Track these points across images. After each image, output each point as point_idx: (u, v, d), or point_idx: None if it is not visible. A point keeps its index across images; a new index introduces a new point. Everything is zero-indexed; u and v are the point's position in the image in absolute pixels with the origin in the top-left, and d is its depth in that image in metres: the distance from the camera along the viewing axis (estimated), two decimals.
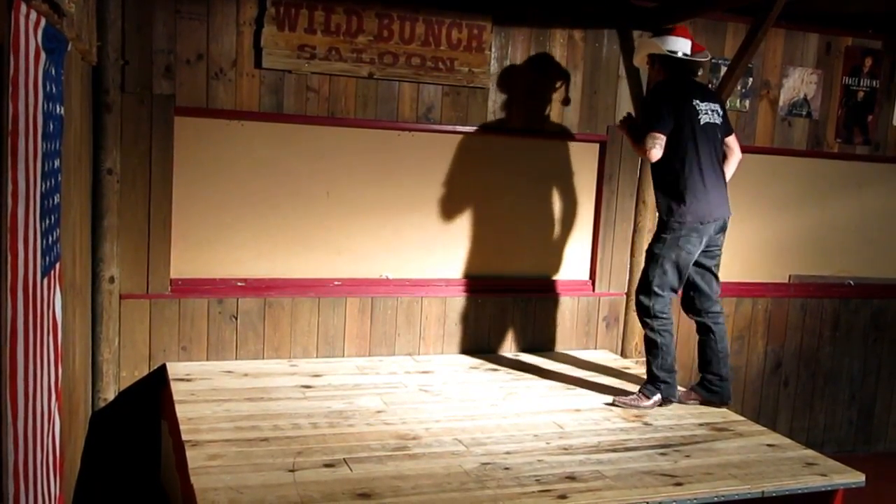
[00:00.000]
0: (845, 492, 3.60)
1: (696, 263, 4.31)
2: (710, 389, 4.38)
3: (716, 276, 4.41)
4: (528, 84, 5.04)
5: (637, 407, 4.22)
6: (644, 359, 5.32)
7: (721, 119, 4.33)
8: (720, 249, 4.41)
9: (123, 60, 4.28)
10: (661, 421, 4.10)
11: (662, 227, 4.27)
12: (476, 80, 4.89)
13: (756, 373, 5.79)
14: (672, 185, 4.21)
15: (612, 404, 4.27)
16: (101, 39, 4.16)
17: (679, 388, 4.40)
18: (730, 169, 4.47)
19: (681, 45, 4.31)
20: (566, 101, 5.10)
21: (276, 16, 4.48)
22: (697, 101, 4.22)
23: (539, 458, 3.51)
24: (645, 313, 4.30)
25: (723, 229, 4.35)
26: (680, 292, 4.39)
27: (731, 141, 4.47)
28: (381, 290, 4.91)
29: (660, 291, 4.25)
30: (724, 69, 5.22)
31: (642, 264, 5.30)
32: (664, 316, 4.28)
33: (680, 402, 4.34)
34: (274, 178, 4.66)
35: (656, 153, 4.14)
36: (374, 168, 4.82)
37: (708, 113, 4.25)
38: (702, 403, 4.37)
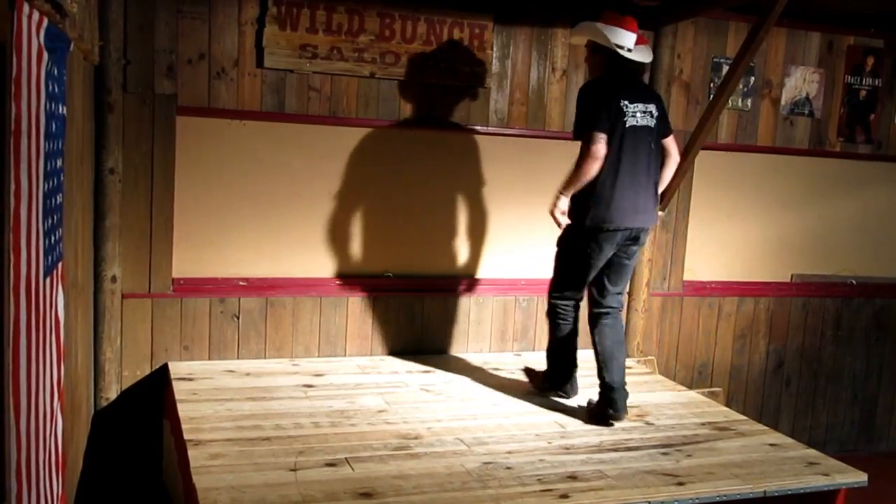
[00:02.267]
0: (847, 491, 3.60)
1: (603, 268, 4.10)
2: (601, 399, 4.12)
3: (616, 283, 4.14)
4: (530, 83, 5.04)
5: (536, 384, 4.42)
6: (646, 359, 5.35)
7: (655, 121, 4.06)
8: (630, 261, 4.14)
9: (125, 60, 4.28)
10: (663, 420, 4.10)
11: (568, 228, 4.06)
12: (478, 80, 4.89)
13: (758, 372, 5.78)
14: (588, 188, 3.96)
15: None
16: (104, 39, 4.17)
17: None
18: (666, 173, 4.22)
19: (628, 41, 4.00)
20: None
21: (278, 15, 4.48)
22: (626, 103, 3.96)
23: (541, 458, 3.51)
24: (549, 311, 4.28)
25: (635, 240, 4.07)
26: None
27: (669, 143, 4.20)
28: (383, 289, 4.90)
29: (562, 288, 4.19)
30: (725, 68, 5.22)
31: (645, 263, 5.34)
32: (561, 310, 4.22)
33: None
34: (276, 178, 4.66)
35: (599, 152, 3.88)
36: (376, 168, 4.82)
37: (636, 115, 3.98)
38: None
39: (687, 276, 5.56)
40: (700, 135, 5.04)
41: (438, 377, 4.59)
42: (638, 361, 5.26)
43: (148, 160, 4.38)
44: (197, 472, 3.17)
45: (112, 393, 4.43)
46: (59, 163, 2.54)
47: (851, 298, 5.94)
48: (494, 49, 4.93)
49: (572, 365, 4.30)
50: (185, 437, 3.51)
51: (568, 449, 3.64)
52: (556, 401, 4.31)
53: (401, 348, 4.98)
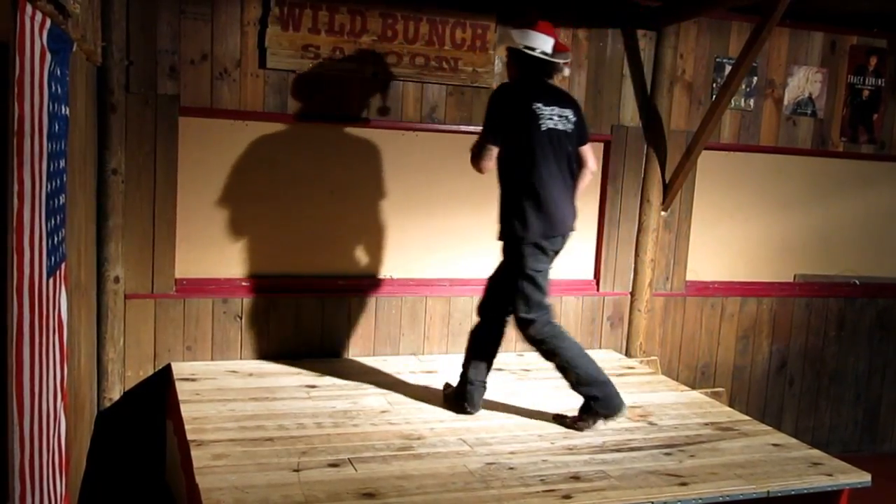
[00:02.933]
0: (851, 492, 3.59)
1: None
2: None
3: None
4: None
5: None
6: (648, 359, 5.35)
7: (573, 127, 3.92)
8: (552, 266, 4.03)
9: (128, 61, 4.29)
10: (666, 421, 4.09)
11: (507, 248, 3.94)
12: (480, 80, 4.89)
13: (761, 372, 5.78)
14: (513, 198, 3.86)
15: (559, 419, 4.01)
16: (106, 40, 4.17)
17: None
18: (581, 183, 4.05)
19: (540, 43, 3.84)
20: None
21: (281, 16, 4.48)
22: (540, 105, 3.81)
23: (543, 458, 3.51)
24: (531, 341, 3.96)
25: (563, 245, 3.98)
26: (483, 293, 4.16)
27: (584, 151, 4.03)
28: (386, 290, 4.91)
29: (530, 315, 3.89)
30: (728, 68, 5.22)
31: (647, 263, 5.34)
32: (547, 334, 3.91)
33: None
34: (278, 178, 4.67)
35: (485, 165, 3.84)
36: (378, 168, 4.82)
37: (553, 118, 3.84)
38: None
39: (690, 277, 5.56)
40: (703, 135, 5.05)
41: (441, 377, 4.59)
42: (641, 362, 5.25)
43: (150, 161, 4.39)
44: (200, 472, 3.17)
45: (115, 393, 4.44)
46: (61, 163, 2.54)
47: (854, 299, 5.94)
48: (497, 49, 4.92)
49: (484, 383, 4.09)
50: (189, 437, 3.52)
51: (571, 449, 3.64)
52: (558, 401, 4.29)
53: (404, 348, 4.98)
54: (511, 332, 5.19)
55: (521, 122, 3.80)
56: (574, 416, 3.94)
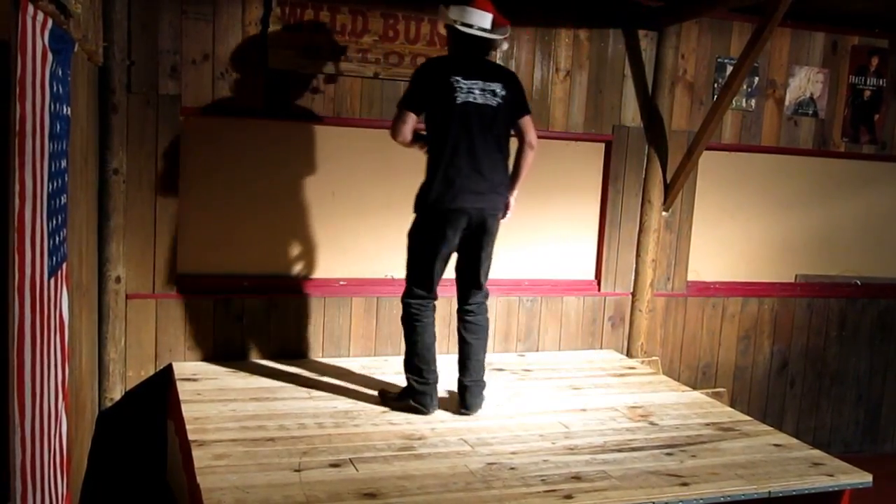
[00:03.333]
0: (852, 492, 3.59)
1: (458, 260, 4.00)
2: (474, 393, 4.02)
3: (476, 276, 4.01)
4: (534, 83, 5.04)
5: (387, 404, 4.04)
6: (650, 359, 5.35)
7: (500, 101, 3.84)
8: (482, 250, 3.95)
9: (129, 61, 4.29)
10: (667, 421, 4.09)
11: (415, 211, 3.93)
12: None
13: (762, 373, 5.78)
14: (428, 166, 3.87)
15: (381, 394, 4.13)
16: (108, 40, 4.17)
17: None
18: (523, 160, 4.00)
19: (476, 19, 3.79)
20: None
21: (282, 16, 4.48)
22: (458, 79, 3.76)
23: (544, 459, 3.51)
24: (402, 302, 4.02)
25: (480, 227, 3.88)
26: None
27: (523, 124, 3.98)
28: (387, 290, 4.90)
29: (411, 283, 3.98)
30: (729, 68, 5.22)
31: (648, 264, 5.34)
32: (414, 310, 3.97)
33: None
34: (279, 179, 4.67)
35: (400, 129, 3.79)
36: (380, 168, 4.82)
37: (474, 92, 3.78)
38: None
39: (691, 277, 5.55)
40: (704, 135, 5.05)
41: (442, 377, 4.58)
42: (642, 362, 5.25)
43: (152, 161, 4.39)
44: (201, 472, 3.17)
45: (116, 393, 4.44)
46: (63, 163, 2.54)
47: (856, 299, 5.93)
48: (498, 50, 4.92)
49: (430, 375, 4.00)
50: (190, 437, 3.52)
51: (572, 449, 3.63)
52: (559, 401, 4.30)
53: (404, 348, 4.97)
54: (512, 332, 5.20)
55: (438, 95, 3.78)
56: (394, 394, 4.09)
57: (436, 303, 4.07)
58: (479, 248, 3.96)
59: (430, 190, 3.84)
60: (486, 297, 4.14)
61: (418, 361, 3.98)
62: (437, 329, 4.08)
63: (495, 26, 3.86)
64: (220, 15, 4.43)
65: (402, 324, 4.05)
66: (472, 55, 3.88)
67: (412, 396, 3.99)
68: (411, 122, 3.83)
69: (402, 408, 4.00)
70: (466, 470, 3.34)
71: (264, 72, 4.52)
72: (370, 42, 4.65)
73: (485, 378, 4.10)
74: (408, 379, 4.03)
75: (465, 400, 4.02)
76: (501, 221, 4.02)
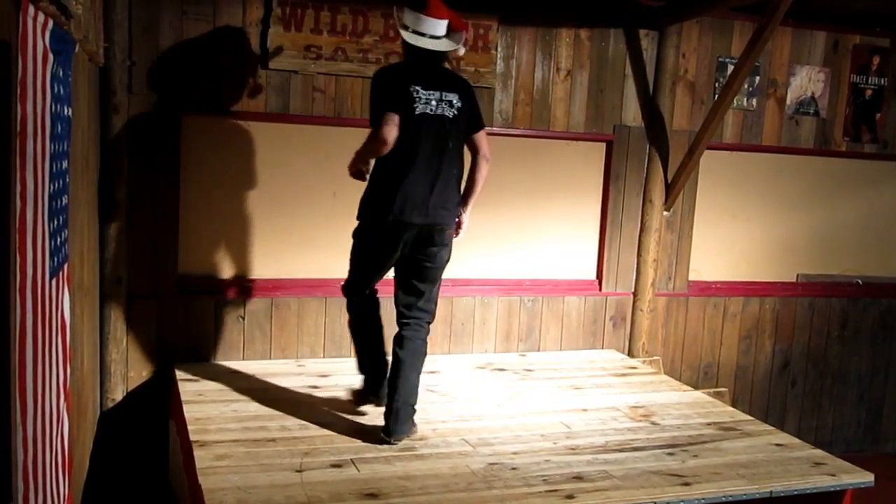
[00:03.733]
0: (854, 492, 3.59)
1: (399, 270, 3.81)
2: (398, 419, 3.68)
3: (417, 289, 3.78)
4: (535, 83, 5.04)
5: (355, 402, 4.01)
6: (651, 359, 5.35)
7: (456, 112, 3.70)
8: (428, 262, 3.74)
9: (130, 61, 4.29)
10: (669, 420, 4.09)
11: (358, 216, 3.81)
12: (482, 80, 4.89)
13: (764, 372, 5.77)
14: (375, 173, 3.73)
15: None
16: (108, 41, 4.17)
17: None
18: (478, 173, 3.85)
19: (427, 27, 3.65)
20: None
21: (283, 16, 4.48)
22: (417, 88, 3.62)
23: (546, 458, 3.51)
24: (347, 303, 3.98)
25: (429, 240, 3.70)
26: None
27: (478, 139, 3.82)
28: (387, 291, 4.88)
29: (350, 283, 3.91)
30: (730, 68, 5.22)
31: (650, 263, 5.34)
32: (353, 314, 3.95)
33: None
34: (280, 179, 4.67)
35: (390, 131, 3.55)
36: None
37: (431, 103, 3.64)
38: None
39: (692, 276, 5.55)
40: (705, 135, 5.05)
41: (443, 378, 4.59)
42: (643, 362, 5.25)
43: (153, 161, 4.39)
44: (203, 472, 3.17)
45: (118, 394, 4.44)
46: (64, 164, 2.54)
47: (857, 298, 5.93)
48: (499, 49, 4.92)
49: (380, 367, 3.91)
50: (191, 437, 3.52)
51: (573, 449, 3.63)
52: (561, 401, 4.30)
53: None
54: (513, 332, 5.20)
55: (397, 104, 3.61)
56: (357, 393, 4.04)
57: (377, 298, 4.00)
58: (426, 261, 3.74)
59: (376, 199, 3.69)
60: (428, 320, 3.84)
61: (368, 355, 3.98)
62: (441, 329, 4.04)
63: (451, 31, 3.72)
64: (221, 15, 4.43)
65: (349, 313, 3.99)
66: (428, 63, 3.72)
67: (366, 388, 4.00)
68: (397, 121, 3.59)
69: (358, 403, 3.99)
70: (468, 470, 3.34)
71: (265, 72, 4.52)
72: (371, 42, 4.65)
73: (412, 414, 3.72)
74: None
75: (388, 425, 3.61)
76: (456, 239, 3.86)
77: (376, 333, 3.99)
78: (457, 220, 3.84)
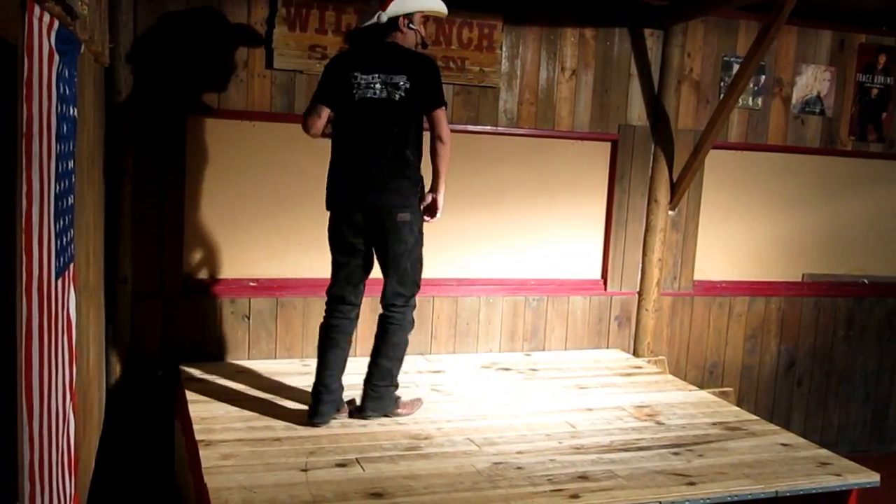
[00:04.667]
0: (860, 492, 3.58)
1: (378, 257, 3.83)
2: (367, 397, 3.82)
3: (389, 276, 3.80)
4: (540, 82, 5.04)
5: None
6: (656, 358, 5.34)
7: (403, 93, 3.64)
8: (389, 248, 3.73)
9: (134, 61, 4.29)
10: (674, 420, 4.09)
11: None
12: (487, 80, 4.89)
13: (769, 372, 5.76)
14: (330, 161, 3.81)
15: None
16: (114, 41, 4.18)
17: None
18: (433, 155, 3.76)
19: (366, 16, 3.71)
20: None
21: (287, 16, 4.49)
22: (358, 74, 3.64)
23: (551, 458, 3.50)
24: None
25: (377, 224, 3.70)
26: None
27: (433, 118, 3.72)
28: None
29: (329, 287, 3.88)
30: (736, 67, 5.21)
31: (655, 263, 5.34)
32: (325, 318, 3.87)
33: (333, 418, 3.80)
34: (285, 179, 4.67)
35: (311, 123, 3.74)
36: None
37: (373, 87, 3.63)
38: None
39: (697, 276, 5.54)
40: (710, 134, 5.04)
41: (448, 377, 4.59)
42: (648, 361, 5.25)
43: (158, 161, 4.40)
44: (208, 472, 3.18)
45: (124, 394, 4.44)
46: (70, 164, 2.55)
47: (863, 298, 5.92)
48: (504, 49, 4.92)
49: (328, 383, 3.78)
50: (197, 437, 3.52)
51: (578, 449, 3.63)
52: (566, 401, 4.29)
53: (411, 348, 4.97)
54: (518, 332, 5.20)
55: (338, 92, 3.68)
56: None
57: (354, 312, 3.87)
58: (384, 247, 3.74)
59: (328, 188, 3.79)
60: (402, 303, 3.84)
61: (328, 374, 3.78)
62: (446, 328, 4.02)
63: (386, 5, 3.66)
64: (226, 15, 4.44)
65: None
66: (371, 47, 3.72)
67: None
68: (324, 115, 3.74)
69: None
70: (473, 469, 3.34)
71: (269, 72, 4.53)
72: None
73: (386, 394, 3.84)
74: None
75: (362, 401, 3.82)
76: (434, 221, 3.87)
77: (333, 352, 3.82)
78: (425, 203, 3.82)
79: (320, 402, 3.75)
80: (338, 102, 3.72)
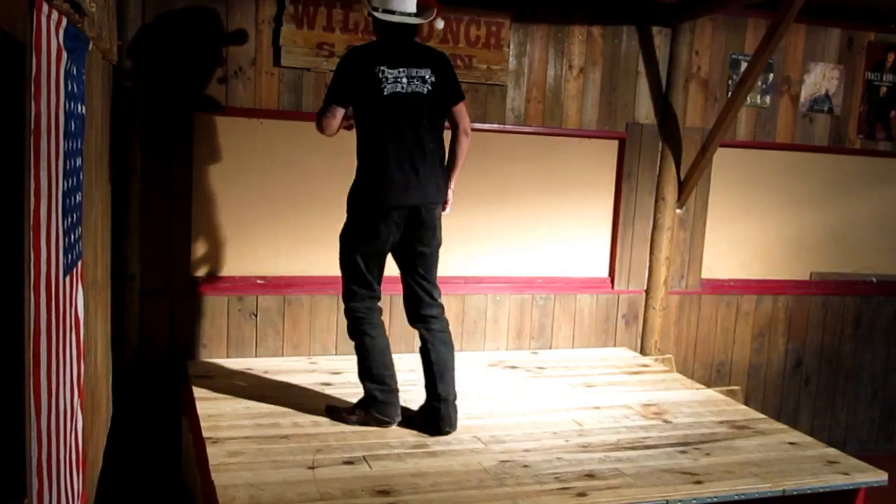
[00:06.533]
0: (867, 491, 3.57)
1: (400, 263, 3.79)
2: (431, 414, 3.73)
3: (424, 278, 3.77)
4: (547, 80, 5.03)
5: (343, 420, 3.77)
6: (664, 357, 5.33)
7: (430, 87, 3.63)
8: (424, 246, 3.72)
9: (139, 60, 4.30)
10: (681, 419, 4.08)
11: (348, 211, 3.74)
12: (494, 77, 4.88)
13: (777, 371, 5.75)
14: (359, 164, 3.68)
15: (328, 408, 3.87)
16: (122, 38, 4.19)
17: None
18: (458, 147, 3.76)
19: (397, 3, 3.58)
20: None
21: (295, 14, 4.49)
22: (384, 69, 3.56)
23: (558, 456, 3.50)
24: (344, 311, 3.82)
25: (416, 220, 3.65)
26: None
27: (456, 112, 3.72)
28: (399, 288, 4.89)
29: (351, 285, 3.76)
30: (744, 65, 5.19)
31: (662, 261, 5.33)
32: (361, 314, 3.75)
33: (400, 424, 3.75)
34: (293, 176, 4.68)
35: (327, 124, 3.63)
36: None
37: (401, 81, 3.58)
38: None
39: (705, 274, 5.53)
40: (718, 132, 5.03)
41: (455, 375, 4.58)
42: (656, 360, 5.24)
43: (166, 159, 4.41)
44: (216, 469, 3.19)
45: (131, 391, 4.45)
46: (78, 162, 2.55)
47: (871, 297, 5.90)
48: (511, 46, 4.91)
49: (393, 381, 3.78)
50: (204, 434, 3.53)
51: (585, 447, 3.63)
52: (573, 399, 4.29)
53: (417, 346, 4.98)
54: (525, 330, 5.19)
55: (363, 88, 3.57)
56: (349, 407, 3.83)
57: (380, 304, 3.83)
58: (419, 244, 3.71)
59: (364, 188, 3.64)
60: (443, 306, 3.84)
61: (376, 368, 3.73)
62: (453, 326, 4.01)
63: (420, 9, 3.64)
64: (234, 13, 4.44)
65: (350, 334, 3.80)
66: (397, 41, 3.65)
67: (374, 407, 3.73)
68: (339, 115, 3.63)
69: (361, 421, 3.74)
70: (480, 467, 3.34)
71: (277, 70, 4.53)
72: None
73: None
74: (366, 388, 3.76)
75: (441, 414, 3.69)
76: (445, 215, 3.83)
77: (387, 343, 3.82)
78: (442, 196, 3.80)
79: (398, 403, 3.77)
80: (363, 99, 3.61)
